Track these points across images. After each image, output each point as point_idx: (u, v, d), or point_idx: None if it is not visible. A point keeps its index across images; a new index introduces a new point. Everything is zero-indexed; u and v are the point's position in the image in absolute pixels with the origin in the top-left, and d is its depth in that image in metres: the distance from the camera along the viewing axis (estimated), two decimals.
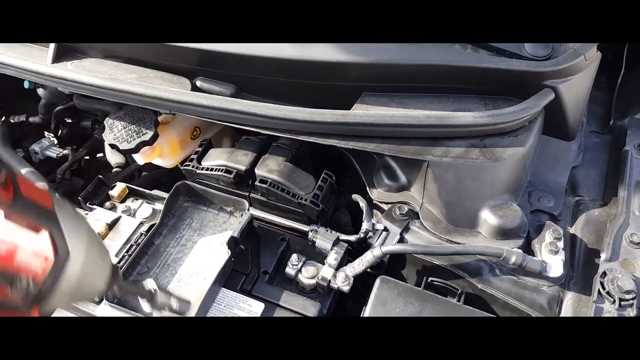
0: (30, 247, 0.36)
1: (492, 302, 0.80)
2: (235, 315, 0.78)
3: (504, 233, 0.81)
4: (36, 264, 0.36)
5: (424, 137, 0.83)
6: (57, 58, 0.99)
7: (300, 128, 0.85)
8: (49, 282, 0.37)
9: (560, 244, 0.79)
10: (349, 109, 0.86)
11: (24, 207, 0.37)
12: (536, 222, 0.87)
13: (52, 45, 1.00)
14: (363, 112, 0.84)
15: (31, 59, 0.99)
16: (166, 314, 0.60)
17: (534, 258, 0.77)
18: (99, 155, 1.40)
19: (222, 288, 0.81)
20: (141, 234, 0.86)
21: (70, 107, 1.36)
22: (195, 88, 0.97)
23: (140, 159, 1.11)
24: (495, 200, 0.84)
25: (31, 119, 1.38)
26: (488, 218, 0.82)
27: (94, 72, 0.95)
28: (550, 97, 0.86)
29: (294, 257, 0.84)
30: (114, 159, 1.41)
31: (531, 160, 0.90)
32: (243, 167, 0.94)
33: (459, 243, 0.81)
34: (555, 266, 0.76)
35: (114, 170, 1.30)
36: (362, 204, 0.90)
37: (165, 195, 0.94)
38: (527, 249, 0.82)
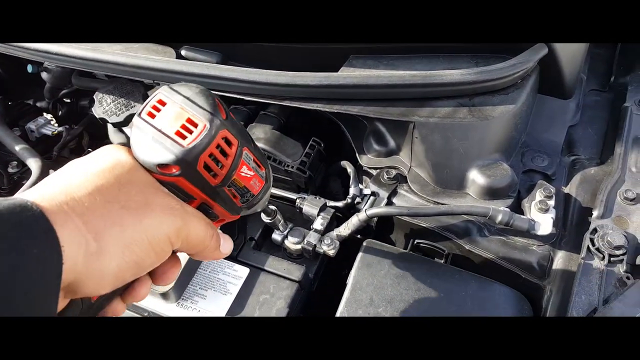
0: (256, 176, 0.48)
1: (480, 263, 0.78)
2: (221, 280, 0.78)
3: (492, 193, 0.79)
4: (257, 185, 0.49)
5: (411, 97, 0.81)
6: None
7: (283, 93, 0.83)
8: (260, 196, 0.51)
9: (551, 202, 0.76)
10: None
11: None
12: (528, 182, 0.85)
13: None
14: (346, 73, 0.82)
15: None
16: None
17: (522, 216, 0.75)
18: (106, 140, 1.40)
19: None
20: None
21: (75, 91, 1.37)
22: (180, 57, 0.97)
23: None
24: (484, 160, 0.81)
25: (38, 104, 1.39)
26: (476, 178, 0.80)
27: (77, 44, 0.95)
28: (543, 52, 0.83)
29: (281, 223, 0.83)
30: (116, 139, 1.41)
31: (524, 120, 0.88)
32: None
33: (445, 204, 0.80)
34: (545, 224, 0.74)
35: None
36: (350, 169, 0.88)
37: None
38: (517, 208, 0.80)
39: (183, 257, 0.76)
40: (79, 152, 1.29)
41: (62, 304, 0.37)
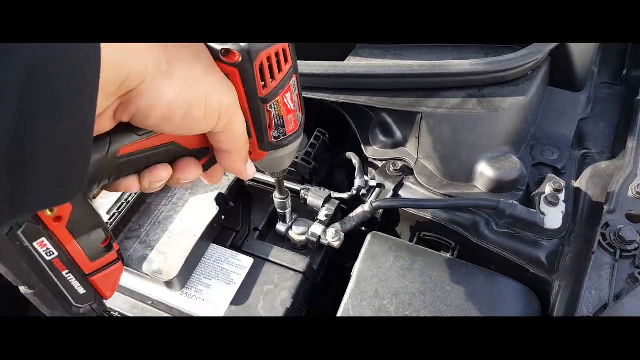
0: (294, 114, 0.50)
1: (488, 257, 0.77)
2: (225, 269, 0.77)
3: (501, 186, 0.78)
4: (292, 125, 0.50)
5: (419, 88, 0.80)
6: None
7: None
8: (291, 139, 0.51)
9: (561, 195, 0.75)
10: None
11: None
12: (538, 175, 0.83)
13: None
14: (353, 63, 0.81)
15: None
16: None
17: (531, 210, 0.73)
18: None
19: (212, 244, 0.81)
20: (133, 192, 0.85)
21: None
22: None
23: None
24: (493, 152, 0.80)
25: None
26: (485, 170, 0.78)
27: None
28: (554, 44, 0.81)
29: (288, 210, 0.82)
30: None
31: (534, 112, 0.86)
32: None
33: (452, 197, 0.78)
34: (554, 218, 0.73)
35: None
36: (355, 160, 0.87)
37: None
38: (526, 202, 0.79)
39: (188, 245, 0.76)
40: None
41: (110, 122, 0.38)
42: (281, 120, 0.49)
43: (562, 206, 0.75)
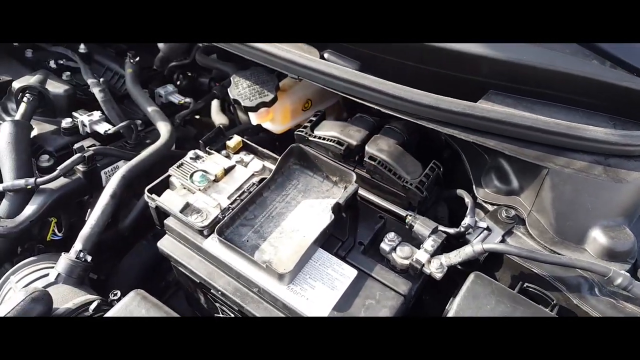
0: None
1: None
2: (329, 275, 0.81)
3: (612, 254, 0.79)
4: None
5: (549, 144, 0.82)
6: None
7: (423, 113, 0.86)
8: None
9: None
10: None
11: None
12: None
13: None
14: (490, 107, 0.84)
15: None
16: None
17: None
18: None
19: (320, 248, 0.85)
20: (253, 184, 0.91)
21: (185, 65, 1.46)
22: (322, 59, 1.01)
23: (255, 119, 1.17)
24: (608, 220, 0.81)
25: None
26: (598, 237, 0.80)
27: None
28: None
29: (391, 234, 0.86)
30: (218, 119, 1.50)
31: None
32: (354, 142, 0.97)
33: (563, 255, 0.80)
34: None
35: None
36: (468, 199, 0.90)
37: (274, 155, 0.99)
38: (632, 275, 0.79)
39: (298, 246, 0.80)
40: (191, 123, 1.37)
41: None
42: None
43: None
